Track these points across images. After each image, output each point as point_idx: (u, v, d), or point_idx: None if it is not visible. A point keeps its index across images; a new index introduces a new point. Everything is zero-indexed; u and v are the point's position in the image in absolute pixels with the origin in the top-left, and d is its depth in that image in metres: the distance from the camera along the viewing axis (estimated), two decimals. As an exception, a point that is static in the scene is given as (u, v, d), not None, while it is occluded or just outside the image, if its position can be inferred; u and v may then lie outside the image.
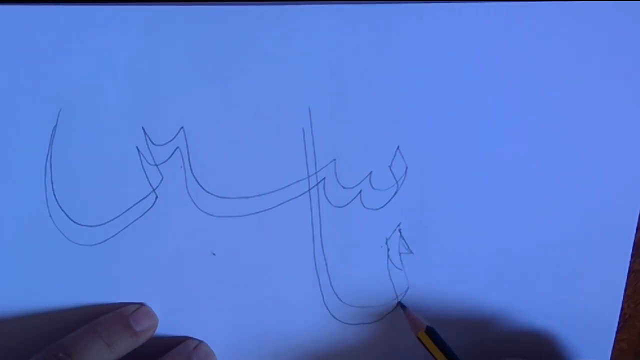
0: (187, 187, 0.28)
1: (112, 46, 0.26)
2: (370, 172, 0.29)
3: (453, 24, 0.27)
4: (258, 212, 0.29)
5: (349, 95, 0.28)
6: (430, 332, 0.29)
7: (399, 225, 0.30)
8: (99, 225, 0.28)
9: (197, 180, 0.28)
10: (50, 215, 0.28)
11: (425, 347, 0.29)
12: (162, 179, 0.28)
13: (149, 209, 0.28)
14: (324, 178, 0.29)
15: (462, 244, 0.30)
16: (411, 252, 0.30)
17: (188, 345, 0.30)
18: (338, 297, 0.30)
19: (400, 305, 0.30)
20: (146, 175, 0.28)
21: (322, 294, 0.30)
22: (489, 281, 0.31)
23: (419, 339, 0.29)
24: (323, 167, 0.29)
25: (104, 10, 0.26)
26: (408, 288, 0.31)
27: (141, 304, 0.29)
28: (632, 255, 0.31)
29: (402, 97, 0.28)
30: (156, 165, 0.28)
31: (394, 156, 0.29)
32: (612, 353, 0.33)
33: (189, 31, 0.26)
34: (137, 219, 0.28)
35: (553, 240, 0.31)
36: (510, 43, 0.28)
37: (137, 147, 0.28)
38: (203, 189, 0.28)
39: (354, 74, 0.27)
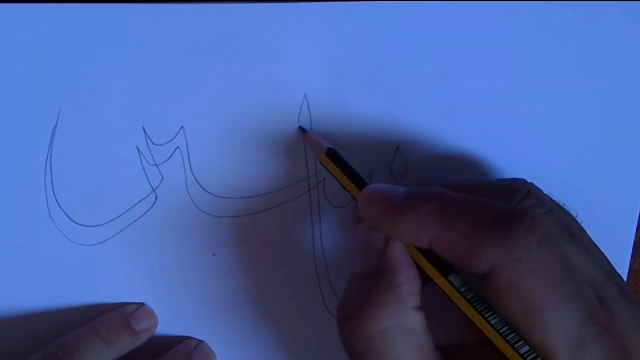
0: (187, 187, 0.28)
1: (112, 46, 0.26)
2: (370, 172, 0.29)
3: (453, 24, 0.27)
4: (258, 212, 0.29)
5: (349, 95, 0.28)
6: (330, 153, 0.26)
7: (399, 225, 0.30)
8: (99, 225, 0.28)
9: (197, 180, 0.28)
10: (50, 215, 0.28)
11: (328, 170, 0.26)
12: (162, 179, 0.28)
13: (149, 209, 0.28)
14: (324, 178, 0.29)
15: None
16: (411, 252, 0.30)
17: (188, 345, 0.30)
18: (338, 297, 0.30)
19: (301, 129, 0.28)
20: (146, 175, 0.28)
21: (322, 294, 0.30)
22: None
23: (320, 163, 0.27)
24: (323, 167, 0.29)
25: (104, 9, 0.26)
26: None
27: (141, 304, 0.29)
28: (632, 255, 0.31)
29: (402, 96, 0.28)
30: (156, 165, 0.28)
31: (394, 156, 0.29)
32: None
33: (189, 30, 0.26)
34: (137, 219, 0.28)
35: (553, 240, 0.31)
36: (509, 43, 0.28)
37: (137, 147, 0.27)
38: (203, 189, 0.28)
39: (354, 73, 0.27)
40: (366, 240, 0.24)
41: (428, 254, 0.23)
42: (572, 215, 0.25)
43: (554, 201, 0.25)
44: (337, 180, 0.26)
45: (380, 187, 0.24)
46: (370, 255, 0.23)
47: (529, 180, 0.26)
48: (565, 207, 0.25)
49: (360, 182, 0.26)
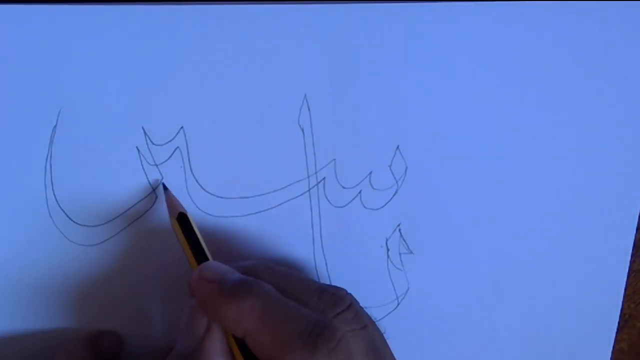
0: (187, 187, 0.28)
1: (112, 46, 0.26)
2: (370, 172, 0.29)
3: (452, 24, 0.27)
4: (258, 212, 0.29)
5: (349, 95, 0.28)
6: (181, 218, 0.27)
7: (399, 225, 0.30)
8: (99, 225, 0.28)
9: (197, 180, 0.28)
10: (50, 216, 0.28)
11: (176, 235, 0.27)
12: (162, 179, 0.28)
13: (149, 209, 0.28)
14: (324, 178, 0.29)
15: (462, 244, 0.30)
16: (411, 252, 0.30)
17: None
18: (338, 297, 0.30)
19: (163, 186, 0.28)
20: (146, 175, 0.28)
21: (322, 294, 0.30)
22: (488, 281, 0.31)
23: (172, 226, 0.27)
24: (323, 167, 0.29)
25: (104, 9, 0.26)
26: (408, 288, 0.31)
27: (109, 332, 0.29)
28: (632, 255, 0.31)
29: (401, 96, 0.28)
30: (156, 165, 0.28)
31: (394, 156, 0.29)
32: (612, 353, 0.33)
33: (188, 30, 0.26)
34: (137, 219, 0.28)
35: (553, 240, 0.31)
36: (509, 43, 0.28)
37: (137, 147, 0.27)
38: (203, 189, 0.28)
39: (354, 73, 0.27)
40: (190, 321, 0.25)
41: (243, 344, 0.24)
42: (381, 333, 0.26)
43: (369, 317, 0.26)
44: (182, 246, 0.27)
45: (217, 267, 0.25)
46: (191, 338, 0.25)
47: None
48: (377, 323, 0.26)
49: (202, 256, 0.26)
